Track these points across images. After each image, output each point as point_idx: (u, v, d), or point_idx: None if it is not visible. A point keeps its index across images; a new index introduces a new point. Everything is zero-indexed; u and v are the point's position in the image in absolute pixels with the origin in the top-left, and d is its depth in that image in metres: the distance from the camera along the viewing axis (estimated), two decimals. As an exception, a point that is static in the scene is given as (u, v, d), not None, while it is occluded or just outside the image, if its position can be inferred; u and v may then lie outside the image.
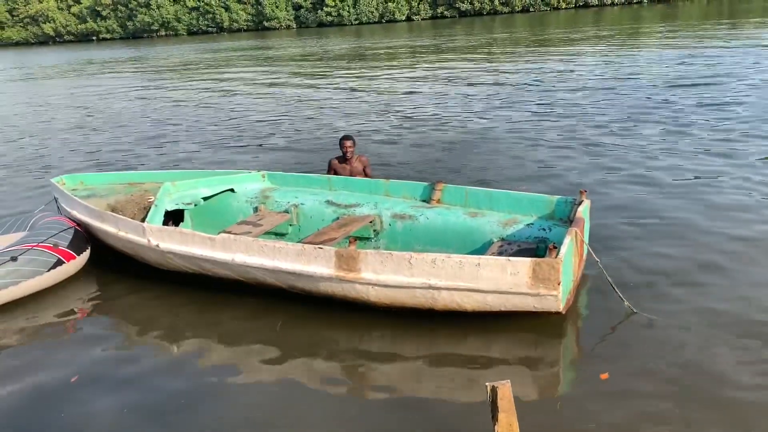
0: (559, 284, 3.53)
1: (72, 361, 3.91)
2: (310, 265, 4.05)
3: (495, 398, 2.49)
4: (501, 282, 3.63)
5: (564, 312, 3.74)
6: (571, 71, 15.75)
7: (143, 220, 4.94)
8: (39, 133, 12.70)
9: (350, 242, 4.05)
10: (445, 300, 3.81)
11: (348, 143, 6.21)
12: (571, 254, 3.78)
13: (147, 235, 4.68)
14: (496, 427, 2.40)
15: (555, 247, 3.63)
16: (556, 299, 3.58)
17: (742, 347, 3.53)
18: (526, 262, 3.56)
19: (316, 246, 4.03)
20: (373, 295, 3.96)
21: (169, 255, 4.64)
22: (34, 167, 9.60)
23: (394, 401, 3.29)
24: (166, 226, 4.69)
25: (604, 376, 3.39)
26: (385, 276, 3.85)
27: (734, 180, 6.35)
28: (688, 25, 29.50)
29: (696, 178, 6.53)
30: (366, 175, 6.64)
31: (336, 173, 6.36)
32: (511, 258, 3.61)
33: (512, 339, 3.75)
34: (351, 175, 6.39)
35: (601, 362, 3.48)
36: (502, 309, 3.76)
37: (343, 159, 6.29)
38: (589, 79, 14.10)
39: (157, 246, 4.63)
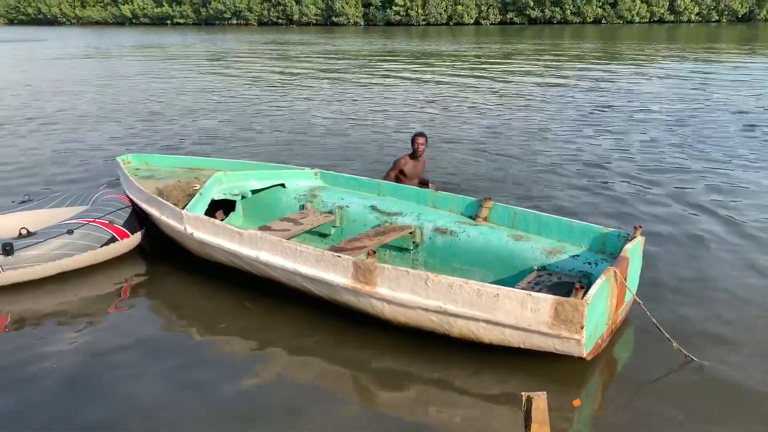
0: (582, 328, 3.26)
1: (107, 333, 4.08)
2: (329, 272, 3.97)
3: (530, 409, 2.46)
4: (520, 317, 3.40)
5: (589, 358, 3.49)
6: (645, 90, 15.35)
7: (185, 207, 5.03)
8: (119, 112, 13.08)
9: (369, 254, 3.89)
10: (461, 328, 3.63)
11: (420, 140, 6.24)
12: (604, 296, 3.50)
13: (184, 223, 4.77)
14: (528, 437, 2.36)
15: (582, 287, 3.32)
16: (579, 344, 3.31)
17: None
18: (548, 299, 3.30)
19: (335, 254, 3.94)
20: (389, 311, 3.83)
21: (203, 244, 4.72)
22: (113, 143, 9.95)
23: (397, 422, 3.22)
24: (201, 216, 4.74)
25: (576, 402, 3.27)
26: (401, 294, 3.70)
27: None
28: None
29: None
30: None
31: (402, 172, 6.37)
32: (532, 293, 3.36)
33: (531, 379, 3.50)
34: (417, 175, 6.40)
35: (631, 416, 3.24)
36: (521, 346, 3.53)
37: (414, 155, 6.31)
38: (665, 101, 13.71)
39: (192, 234, 4.71)
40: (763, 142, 9.36)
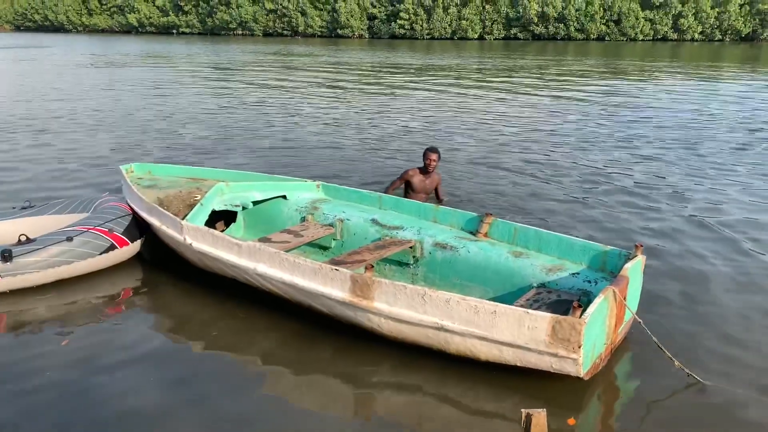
0: (579, 347, 3.23)
1: (105, 342, 4.06)
2: (326, 286, 3.95)
3: (529, 426, 2.46)
4: (517, 335, 3.37)
5: (587, 378, 3.45)
6: (649, 107, 15.37)
7: (185, 218, 5.03)
8: (123, 120, 13.07)
9: (367, 268, 3.86)
10: (457, 344, 3.60)
11: (433, 156, 6.19)
12: (602, 315, 3.46)
13: (184, 233, 4.77)
14: (528, 454, 2.34)
15: (580, 306, 3.28)
16: (576, 363, 3.29)
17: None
18: (546, 317, 3.28)
19: (333, 267, 3.93)
20: (385, 327, 3.80)
21: (202, 255, 4.71)
22: (116, 151, 9.96)
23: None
24: (200, 226, 4.73)
25: (572, 421, 3.24)
26: (398, 309, 3.68)
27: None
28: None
29: None
30: (436, 194, 6.63)
31: (410, 185, 6.33)
32: (529, 311, 3.33)
33: (529, 398, 3.44)
34: (425, 190, 6.35)
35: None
36: (518, 364, 3.50)
37: (424, 171, 6.26)
38: (670, 118, 13.72)
39: (191, 245, 4.71)
40: (764, 158, 9.35)
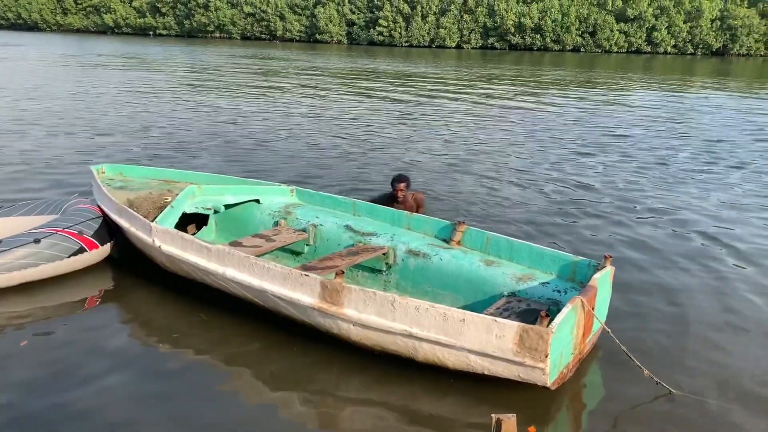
0: (546, 357, 3.24)
1: (71, 346, 4.00)
2: (295, 291, 3.92)
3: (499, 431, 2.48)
4: (485, 343, 3.37)
5: (554, 388, 3.46)
6: (620, 117, 15.60)
7: (154, 220, 4.95)
8: (95, 121, 12.90)
9: (337, 274, 3.84)
10: (426, 352, 3.60)
11: (400, 185, 5.81)
12: (570, 325, 3.48)
13: (152, 235, 4.71)
14: (497, 460, 2.36)
15: (548, 315, 3.28)
16: (543, 373, 3.28)
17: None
18: (513, 326, 3.28)
19: (303, 273, 3.91)
20: (354, 333, 3.78)
21: (170, 258, 4.65)
22: (87, 152, 9.80)
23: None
24: (169, 229, 4.67)
25: (532, 429, 3.26)
26: (367, 316, 3.66)
27: None
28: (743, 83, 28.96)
29: (741, 245, 6.29)
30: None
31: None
32: (497, 319, 3.34)
33: (496, 408, 3.39)
34: None
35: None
36: (486, 373, 3.50)
37: (394, 200, 5.87)
38: (640, 128, 13.94)
39: (160, 247, 4.65)
40: (726, 168, 9.56)
